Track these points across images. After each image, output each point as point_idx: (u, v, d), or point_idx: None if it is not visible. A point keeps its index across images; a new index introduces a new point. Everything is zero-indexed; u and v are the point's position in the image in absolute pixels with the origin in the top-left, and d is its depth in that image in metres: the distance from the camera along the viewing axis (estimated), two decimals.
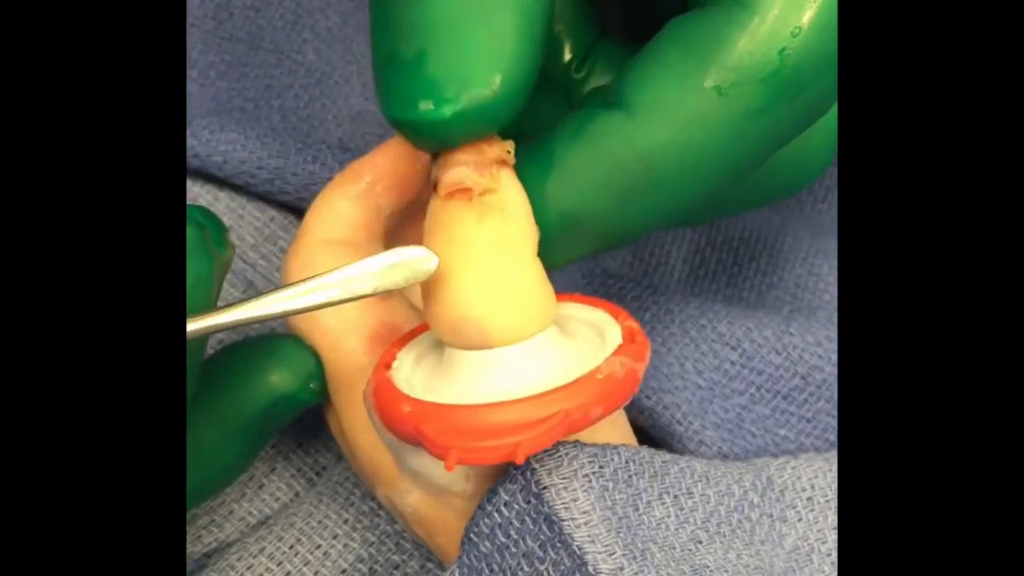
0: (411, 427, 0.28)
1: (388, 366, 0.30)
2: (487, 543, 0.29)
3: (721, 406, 0.36)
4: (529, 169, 0.28)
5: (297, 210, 0.39)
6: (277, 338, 0.33)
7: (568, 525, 0.28)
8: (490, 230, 0.27)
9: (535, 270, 0.28)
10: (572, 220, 0.28)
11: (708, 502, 0.31)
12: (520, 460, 0.26)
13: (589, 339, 0.30)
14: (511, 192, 0.28)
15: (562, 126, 0.28)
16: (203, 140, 0.38)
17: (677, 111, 0.26)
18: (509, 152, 0.28)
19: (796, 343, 0.37)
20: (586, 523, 0.28)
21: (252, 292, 0.39)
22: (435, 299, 0.28)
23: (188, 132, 0.38)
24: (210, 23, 0.42)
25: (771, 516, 0.32)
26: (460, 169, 0.27)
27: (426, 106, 0.26)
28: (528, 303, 0.28)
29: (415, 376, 0.30)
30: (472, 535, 0.29)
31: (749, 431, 0.36)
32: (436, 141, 0.27)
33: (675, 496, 0.30)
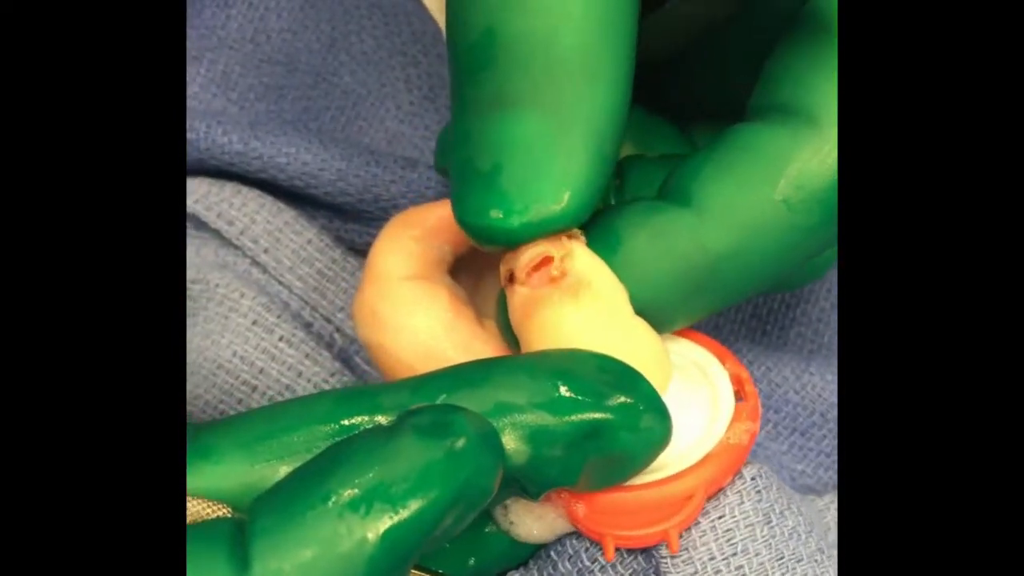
0: (563, 504, 0.29)
1: None
2: (567, 564, 0.30)
3: None
4: (595, 251, 0.29)
5: (351, 214, 0.40)
6: None
7: (665, 563, 0.29)
8: (590, 307, 0.28)
9: (643, 327, 0.29)
10: (637, 309, 0.29)
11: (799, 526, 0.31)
12: (675, 548, 0.28)
13: (696, 381, 0.30)
14: (588, 259, 0.28)
15: (623, 214, 0.29)
16: (267, 143, 0.39)
17: (747, 219, 0.27)
18: (579, 233, 0.29)
19: (816, 382, 0.37)
20: (684, 560, 0.29)
21: (287, 314, 0.39)
22: None
23: (251, 134, 0.39)
24: (248, 46, 0.43)
25: (822, 551, 0.32)
26: (535, 243, 0.28)
27: (496, 215, 0.27)
28: (649, 362, 0.28)
29: None
30: (552, 552, 0.30)
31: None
32: (503, 246, 0.28)
33: (783, 513, 0.30)
